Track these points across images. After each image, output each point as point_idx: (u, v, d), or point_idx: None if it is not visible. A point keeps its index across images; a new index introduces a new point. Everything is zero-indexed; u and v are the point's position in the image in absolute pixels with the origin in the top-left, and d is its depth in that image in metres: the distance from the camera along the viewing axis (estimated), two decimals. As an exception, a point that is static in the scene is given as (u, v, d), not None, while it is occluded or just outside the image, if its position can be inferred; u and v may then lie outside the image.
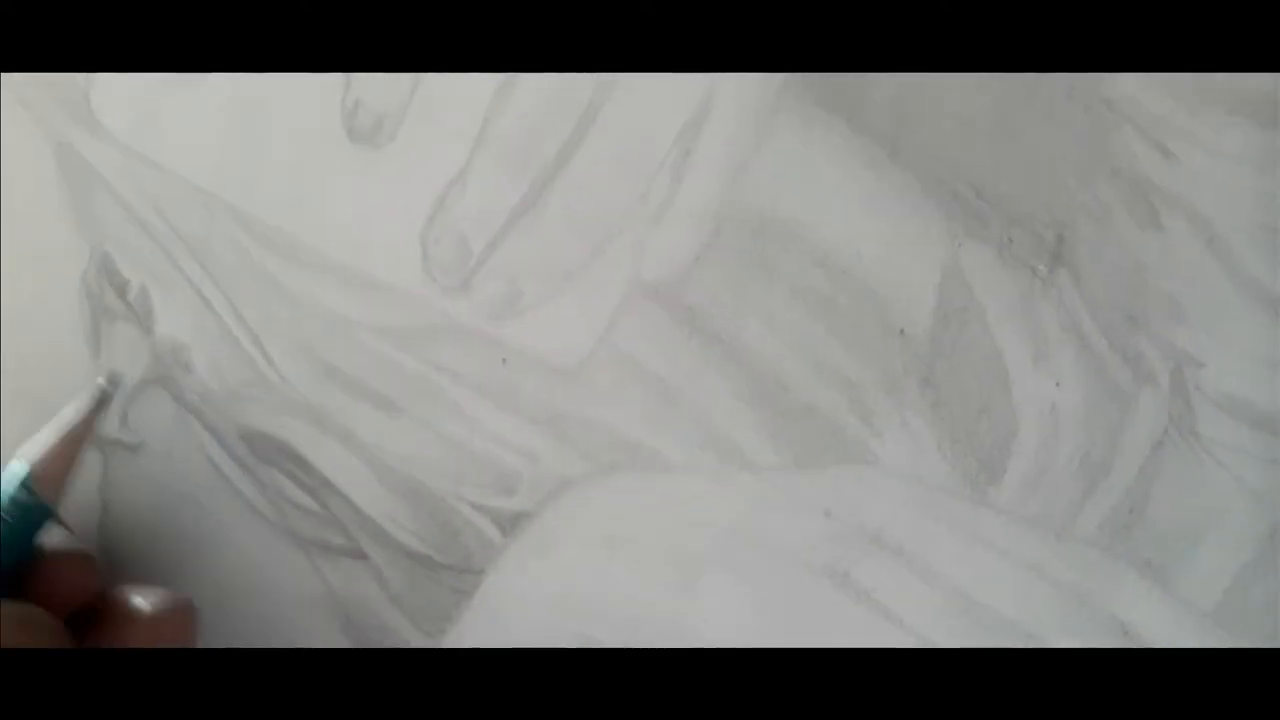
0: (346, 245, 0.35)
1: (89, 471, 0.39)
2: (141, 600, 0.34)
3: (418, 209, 0.34)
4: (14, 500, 0.34)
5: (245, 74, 0.33)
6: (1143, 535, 0.28)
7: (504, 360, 0.34)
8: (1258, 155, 0.26)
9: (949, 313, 0.29)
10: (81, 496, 0.39)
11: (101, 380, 0.37)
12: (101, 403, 0.37)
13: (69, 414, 0.36)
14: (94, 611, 0.33)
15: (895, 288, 0.29)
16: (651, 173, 0.31)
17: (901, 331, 0.30)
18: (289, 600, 0.38)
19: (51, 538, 0.34)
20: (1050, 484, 0.29)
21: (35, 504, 0.34)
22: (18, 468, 0.35)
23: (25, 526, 0.34)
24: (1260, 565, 0.28)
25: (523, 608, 0.35)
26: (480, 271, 0.33)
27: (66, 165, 0.39)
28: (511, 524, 0.35)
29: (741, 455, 0.31)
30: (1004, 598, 0.30)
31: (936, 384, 0.29)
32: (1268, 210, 0.26)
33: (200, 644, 0.40)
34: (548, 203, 0.32)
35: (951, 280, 0.29)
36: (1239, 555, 0.28)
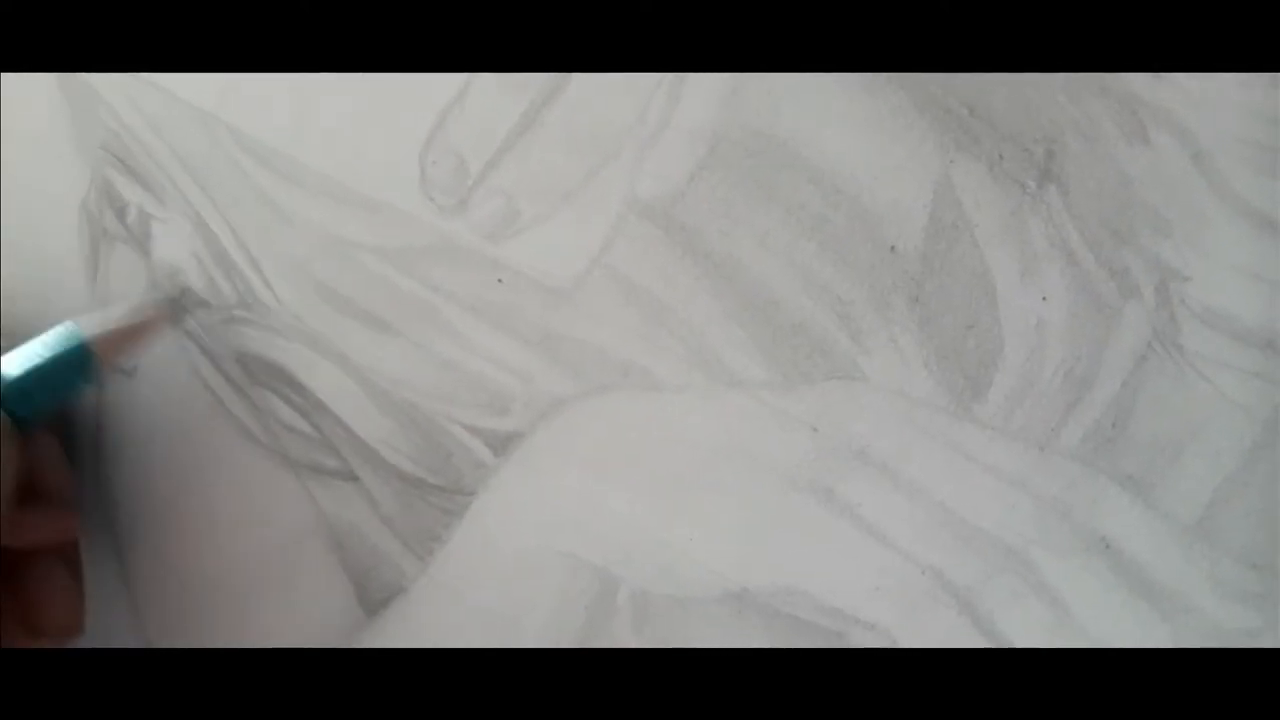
0: (346, 166, 0.35)
1: (84, 396, 0.39)
2: None
3: (417, 129, 0.34)
4: (67, 358, 0.34)
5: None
6: (1125, 448, 0.29)
7: (499, 280, 0.34)
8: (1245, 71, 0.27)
9: (940, 229, 0.29)
10: (75, 420, 0.39)
11: (174, 288, 0.38)
12: (173, 306, 0.37)
13: (142, 305, 0.37)
14: None
15: (888, 205, 0.30)
16: (649, 92, 0.31)
17: (892, 248, 0.30)
18: (280, 521, 0.38)
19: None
20: (1034, 398, 0.29)
21: (86, 369, 0.34)
22: (76, 331, 0.34)
23: (65, 387, 0.34)
24: (1241, 478, 0.28)
25: (512, 528, 0.35)
26: (478, 191, 0.34)
27: (68, 87, 0.39)
28: (503, 444, 0.35)
29: (731, 373, 0.32)
30: (987, 512, 0.30)
31: (925, 300, 0.30)
32: (1253, 125, 0.27)
33: (179, 553, 0.40)
34: (546, 122, 0.33)
35: (943, 197, 0.29)
36: (1221, 468, 0.28)
